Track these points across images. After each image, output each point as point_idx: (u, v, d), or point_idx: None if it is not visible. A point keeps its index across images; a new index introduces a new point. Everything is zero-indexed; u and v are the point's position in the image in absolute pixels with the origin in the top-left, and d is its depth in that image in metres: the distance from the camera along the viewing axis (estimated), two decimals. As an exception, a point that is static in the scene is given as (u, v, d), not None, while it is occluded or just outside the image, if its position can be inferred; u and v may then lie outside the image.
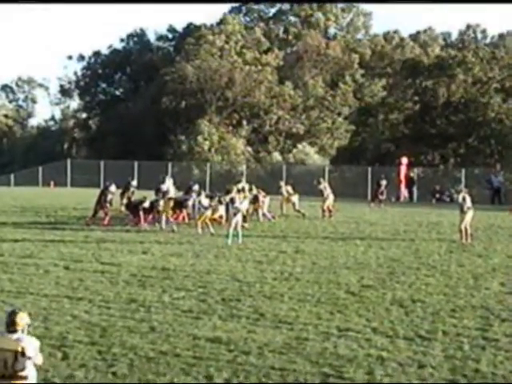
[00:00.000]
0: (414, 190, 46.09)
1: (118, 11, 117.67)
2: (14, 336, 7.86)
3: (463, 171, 47.52)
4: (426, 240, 22.77)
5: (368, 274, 17.13)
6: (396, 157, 50.87)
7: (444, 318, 13.16)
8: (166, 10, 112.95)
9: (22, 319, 7.97)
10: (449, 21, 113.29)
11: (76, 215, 29.13)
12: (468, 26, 76.77)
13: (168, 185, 28.64)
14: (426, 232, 24.71)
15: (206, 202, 24.82)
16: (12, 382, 7.80)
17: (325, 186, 30.23)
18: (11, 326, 7.91)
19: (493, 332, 12.31)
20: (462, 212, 22.17)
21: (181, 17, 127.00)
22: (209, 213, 24.37)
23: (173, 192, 28.19)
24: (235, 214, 21.82)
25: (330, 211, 29.19)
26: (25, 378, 7.88)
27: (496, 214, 31.52)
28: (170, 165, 52.23)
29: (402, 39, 73.62)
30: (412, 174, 46.14)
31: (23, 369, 7.83)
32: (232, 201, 22.24)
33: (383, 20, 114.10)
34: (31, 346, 7.92)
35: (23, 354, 7.80)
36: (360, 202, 37.19)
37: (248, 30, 71.68)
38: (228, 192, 25.13)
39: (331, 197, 29.49)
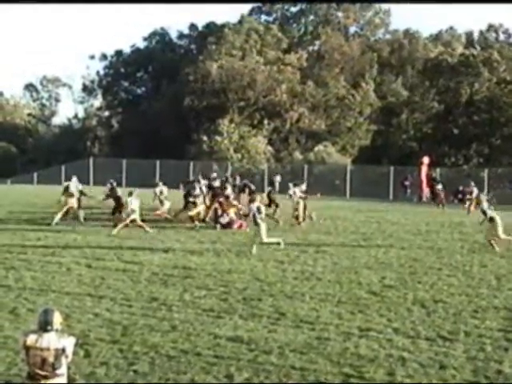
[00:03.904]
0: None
1: (140, 10, 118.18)
2: (53, 335, 7.86)
3: (486, 171, 47.25)
4: (448, 240, 22.65)
5: (390, 274, 17.07)
6: (419, 157, 50.77)
7: (466, 319, 13.08)
8: (187, 8, 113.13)
9: (58, 318, 7.97)
10: (470, 20, 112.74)
11: (98, 213, 29.28)
12: (490, 26, 76.20)
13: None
14: (448, 232, 24.57)
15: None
16: (50, 380, 7.80)
17: (294, 191, 27.69)
18: (48, 325, 7.84)
19: (515, 333, 12.21)
20: (489, 221, 21.12)
21: (202, 15, 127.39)
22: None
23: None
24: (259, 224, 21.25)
25: (297, 218, 26.59)
26: (62, 375, 7.88)
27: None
28: (191, 164, 52.37)
29: (422, 38, 73.35)
30: (434, 174, 45.95)
31: (60, 367, 7.85)
32: (259, 210, 21.48)
33: (403, 20, 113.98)
34: (71, 344, 7.92)
35: (63, 352, 7.82)
36: (382, 201, 36.99)
37: (268, 29, 71.70)
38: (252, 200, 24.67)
39: (301, 203, 26.72)
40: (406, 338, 11.90)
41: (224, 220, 25.45)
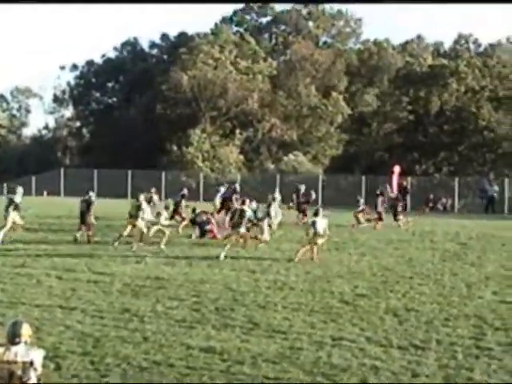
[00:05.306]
0: (408, 198, 46.14)
1: (111, 20, 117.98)
2: (21, 347, 7.77)
3: (456, 180, 47.73)
4: (419, 249, 22.78)
5: (362, 283, 17.13)
6: (390, 166, 51.08)
7: (437, 327, 13.17)
8: (158, 18, 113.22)
9: (26, 330, 7.89)
10: (440, 30, 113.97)
11: (69, 224, 29.02)
12: (460, 36, 77.01)
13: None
14: (420, 241, 24.72)
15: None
16: None
17: (207, 219, 24.97)
18: (16, 338, 7.76)
19: (486, 341, 12.31)
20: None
21: (173, 25, 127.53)
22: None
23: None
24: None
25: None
26: None
27: (489, 222, 31.57)
28: (163, 174, 52.24)
29: (392, 47, 73.92)
30: (405, 183, 46.21)
31: (29, 380, 7.76)
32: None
33: (372, 31, 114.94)
34: (39, 356, 7.84)
35: (31, 365, 7.74)
36: (354, 210, 37.01)
37: (240, 39, 71.83)
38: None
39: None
40: (378, 347, 11.95)
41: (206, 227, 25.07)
